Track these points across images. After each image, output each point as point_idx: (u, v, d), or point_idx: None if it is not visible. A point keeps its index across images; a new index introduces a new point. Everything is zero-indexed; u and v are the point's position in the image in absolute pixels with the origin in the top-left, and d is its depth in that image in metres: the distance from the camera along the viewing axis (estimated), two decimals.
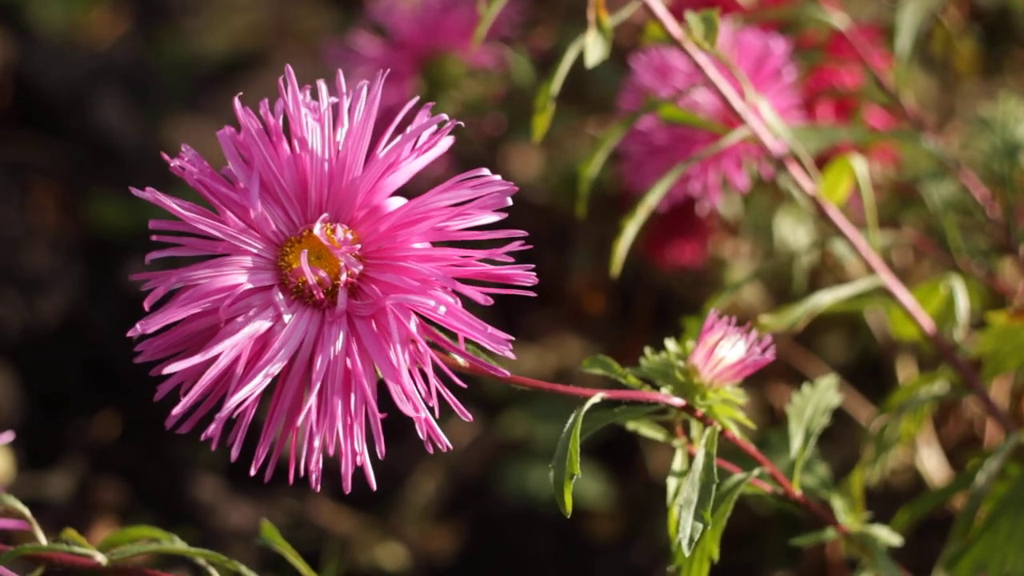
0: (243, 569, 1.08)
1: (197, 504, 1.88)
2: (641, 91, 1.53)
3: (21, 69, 2.47)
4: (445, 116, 1.01)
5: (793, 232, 1.73)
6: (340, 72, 1.03)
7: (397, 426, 1.19)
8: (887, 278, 1.39)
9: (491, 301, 0.97)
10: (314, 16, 2.64)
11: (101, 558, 1.07)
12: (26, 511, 1.08)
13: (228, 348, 0.97)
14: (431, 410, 0.99)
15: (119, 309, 2.09)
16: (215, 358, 0.97)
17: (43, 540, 1.09)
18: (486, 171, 0.99)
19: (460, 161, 1.75)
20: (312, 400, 0.97)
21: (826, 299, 1.38)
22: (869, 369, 1.89)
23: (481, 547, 1.89)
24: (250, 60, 2.58)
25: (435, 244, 1.00)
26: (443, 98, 1.82)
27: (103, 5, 2.67)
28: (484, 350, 1.00)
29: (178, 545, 1.09)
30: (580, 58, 1.30)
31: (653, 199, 1.37)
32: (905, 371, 1.77)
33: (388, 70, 1.03)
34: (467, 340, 0.99)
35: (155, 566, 1.11)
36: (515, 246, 0.98)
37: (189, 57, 2.59)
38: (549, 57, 1.88)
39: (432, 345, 0.99)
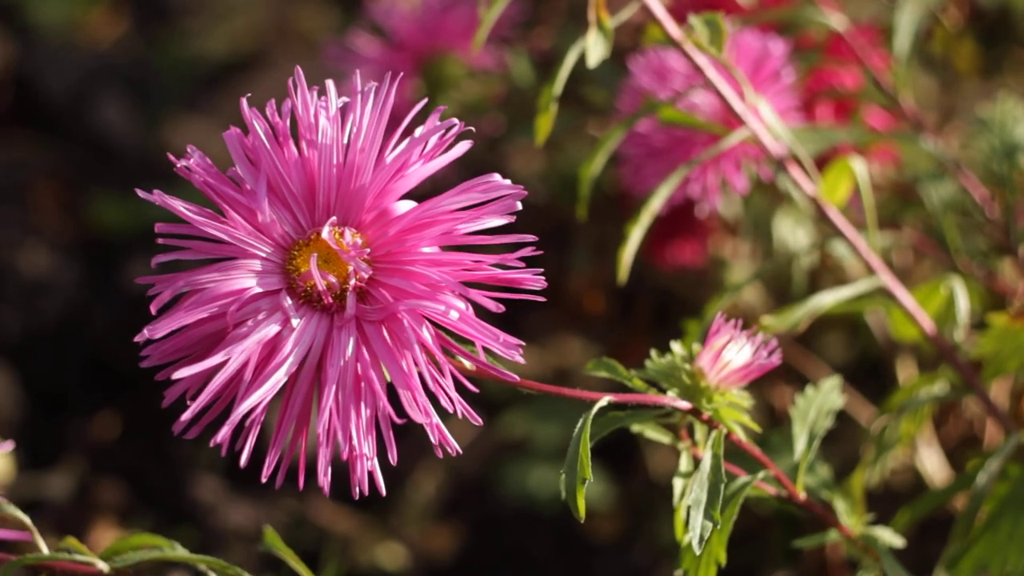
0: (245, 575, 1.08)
1: (197, 504, 1.88)
2: (639, 93, 1.53)
3: (21, 69, 2.47)
4: (455, 120, 1.01)
5: (792, 233, 1.73)
6: (356, 74, 1.02)
7: (396, 426, 1.19)
8: (887, 279, 1.39)
9: (502, 308, 0.97)
10: (314, 16, 2.64)
11: (103, 566, 1.07)
12: (27, 520, 1.08)
13: (237, 353, 0.96)
14: (445, 414, 0.99)
15: (119, 309, 2.09)
16: (223, 363, 0.96)
17: (44, 548, 1.08)
18: (496, 176, 0.99)
19: (459, 162, 1.75)
20: (330, 404, 0.96)
21: (827, 300, 1.38)
22: (869, 369, 1.89)
23: (481, 547, 1.89)
24: (250, 60, 2.58)
25: (443, 248, 0.99)
26: (443, 99, 1.81)
27: (103, 5, 2.67)
28: (492, 354, 0.99)
29: (180, 551, 1.09)
30: (580, 59, 1.30)
31: (656, 204, 1.37)
32: (905, 372, 1.77)
33: (390, 71, 1.03)
34: (472, 343, 0.99)
35: (154, 571, 1.11)
36: (525, 251, 0.98)
37: (189, 57, 2.59)
38: (549, 57, 1.88)
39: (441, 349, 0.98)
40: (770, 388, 1.85)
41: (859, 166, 1.40)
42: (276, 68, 2.53)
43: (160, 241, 1.00)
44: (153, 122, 2.44)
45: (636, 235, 1.37)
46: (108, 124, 2.41)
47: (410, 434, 1.10)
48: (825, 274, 1.81)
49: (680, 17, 1.33)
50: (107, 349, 2.05)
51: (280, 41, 2.62)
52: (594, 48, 1.28)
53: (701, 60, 1.34)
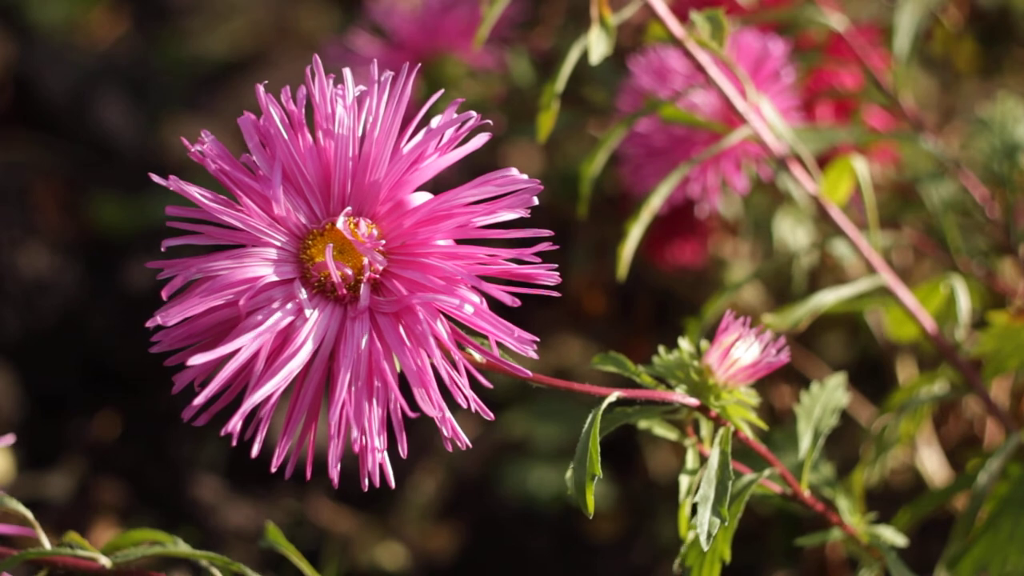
0: (247, 571, 1.08)
1: (197, 504, 1.88)
2: (640, 93, 1.53)
3: (21, 69, 2.47)
4: (472, 113, 1.01)
5: (792, 232, 1.73)
6: (374, 64, 1.02)
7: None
8: (889, 278, 1.39)
9: (518, 302, 0.96)
10: (314, 16, 2.64)
11: (105, 561, 1.07)
12: (29, 514, 1.08)
13: (249, 342, 0.95)
14: (452, 408, 0.98)
15: (119, 309, 2.09)
16: (235, 352, 0.95)
17: (46, 543, 1.08)
18: (514, 170, 0.99)
19: (459, 161, 1.75)
20: (343, 396, 0.96)
21: (828, 299, 1.39)
22: (869, 369, 1.89)
23: (481, 547, 1.89)
24: (250, 60, 2.58)
25: (458, 242, 0.99)
26: (443, 98, 1.81)
27: (103, 5, 2.67)
28: (503, 348, 0.99)
29: (181, 547, 1.09)
30: (579, 61, 1.30)
31: (656, 202, 1.37)
32: (905, 371, 1.77)
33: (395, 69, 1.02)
34: (485, 336, 0.98)
35: (156, 568, 1.11)
36: (541, 246, 0.97)
37: (189, 57, 2.60)
38: (549, 57, 1.88)
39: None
40: (770, 387, 1.85)
41: (860, 165, 1.40)
42: (276, 68, 2.53)
43: (170, 224, 0.99)
44: (153, 122, 2.44)
45: (636, 232, 1.37)
46: (108, 124, 2.41)
47: (410, 433, 1.10)
48: (825, 274, 1.81)
49: (680, 17, 1.33)
50: (107, 349, 2.05)
51: (280, 41, 2.62)
52: (597, 45, 1.28)
53: (703, 58, 1.34)
